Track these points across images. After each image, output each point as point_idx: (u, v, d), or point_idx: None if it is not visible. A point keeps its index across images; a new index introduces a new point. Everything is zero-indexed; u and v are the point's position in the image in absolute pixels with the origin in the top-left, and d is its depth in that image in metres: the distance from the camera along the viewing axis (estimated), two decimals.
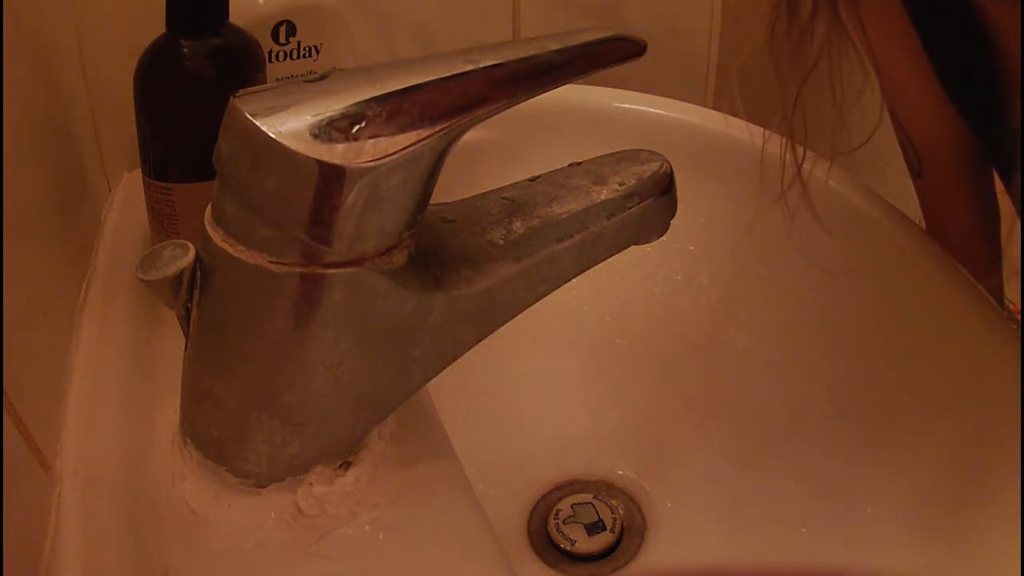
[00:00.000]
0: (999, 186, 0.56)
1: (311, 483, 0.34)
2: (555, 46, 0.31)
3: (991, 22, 0.45)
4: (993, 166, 0.55)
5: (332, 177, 0.28)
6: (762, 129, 0.51)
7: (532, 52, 0.30)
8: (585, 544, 0.51)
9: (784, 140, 0.48)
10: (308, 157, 0.28)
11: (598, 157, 0.38)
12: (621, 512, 0.53)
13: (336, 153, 0.28)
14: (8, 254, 0.34)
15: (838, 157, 0.50)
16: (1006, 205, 0.56)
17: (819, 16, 0.44)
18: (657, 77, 0.64)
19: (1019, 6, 0.42)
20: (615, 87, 0.60)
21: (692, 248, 0.59)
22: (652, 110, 0.61)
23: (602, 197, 0.36)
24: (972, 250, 0.56)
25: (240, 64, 0.42)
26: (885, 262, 0.52)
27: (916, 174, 0.57)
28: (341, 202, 0.28)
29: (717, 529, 0.51)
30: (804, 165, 0.48)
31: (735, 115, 0.58)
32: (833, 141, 0.47)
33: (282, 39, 0.48)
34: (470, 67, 0.30)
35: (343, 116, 0.28)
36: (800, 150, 0.48)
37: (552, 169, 0.37)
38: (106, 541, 0.33)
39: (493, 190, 0.36)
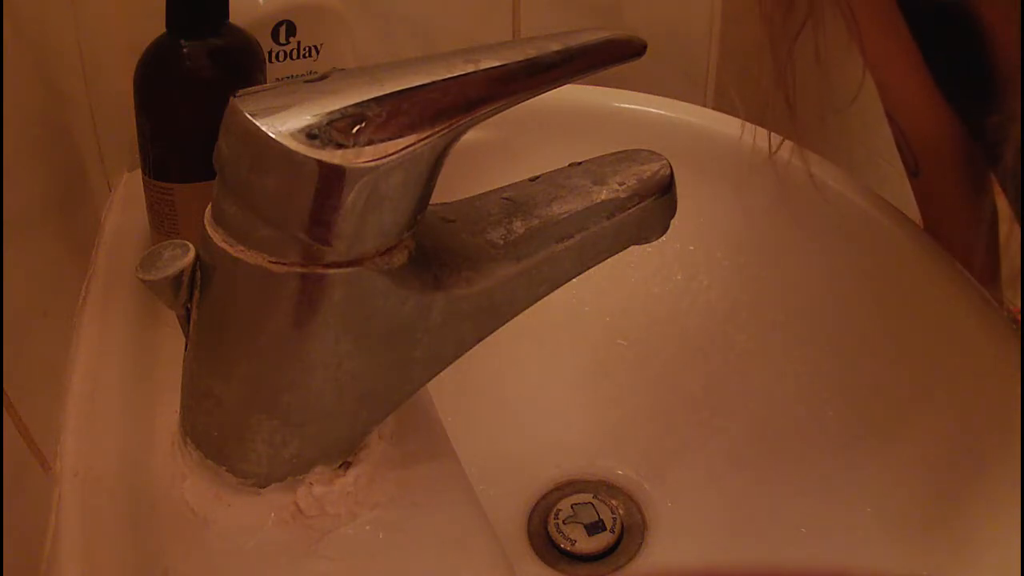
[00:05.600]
0: (996, 185, 0.56)
1: (311, 483, 0.34)
2: (555, 46, 0.31)
3: (985, 23, 0.45)
4: (988, 164, 0.55)
5: (332, 177, 0.28)
6: (743, 123, 0.52)
7: (532, 52, 0.30)
8: (585, 544, 0.51)
9: (768, 126, 0.49)
10: (308, 157, 0.28)
11: (598, 157, 0.38)
12: (621, 512, 0.53)
13: (336, 153, 0.28)
14: (8, 254, 0.34)
15: (833, 152, 0.50)
16: (1004, 204, 0.56)
17: None
18: (657, 77, 0.64)
19: (1013, 8, 0.42)
20: (615, 87, 0.60)
21: (692, 248, 0.59)
22: (652, 110, 0.61)
23: (602, 197, 0.36)
24: (970, 248, 0.56)
25: (240, 64, 0.42)
26: (885, 262, 0.52)
27: (913, 173, 0.57)
28: (341, 202, 0.28)
29: (717, 529, 0.51)
30: (788, 143, 0.48)
31: (722, 111, 0.58)
32: (821, 100, 0.48)
33: (282, 39, 0.48)
34: (470, 67, 0.30)
35: (343, 116, 0.28)
36: (794, 106, 0.48)
37: (552, 169, 0.37)
38: (106, 541, 0.33)
39: (493, 190, 0.36)
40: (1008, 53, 0.44)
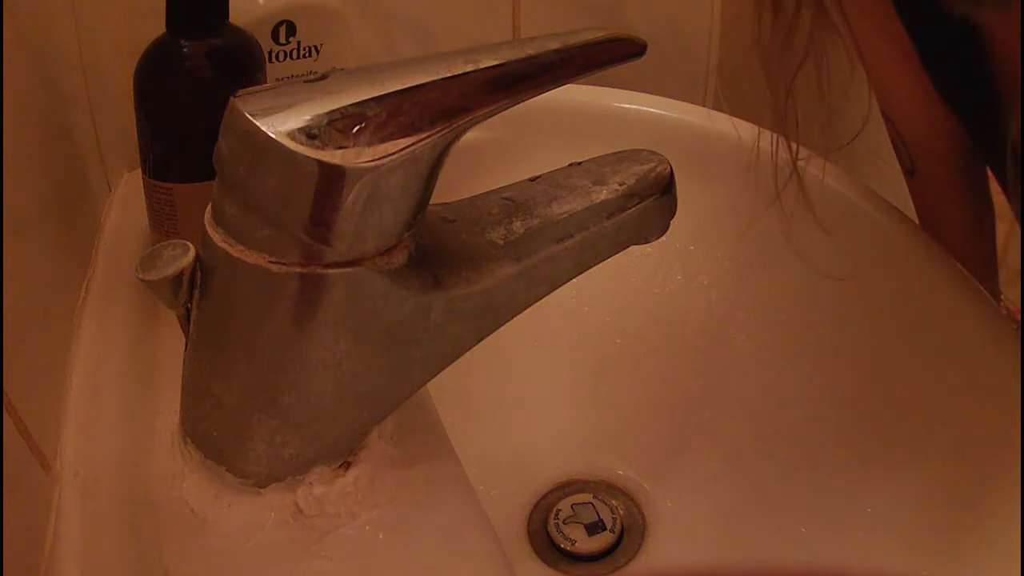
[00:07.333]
0: (994, 184, 0.56)
1: (311, 483, 0.34)
2: (555, 46, 0.31)
3: (983, 27, 0.45)
4: (987, 165, 0.55)
5: (332, 177, 0.28)
6: (758, 128, 0.51)
7: (532, 52, 0.30)
8: (585, 544, 0.51)
9: (775, 138, 0.48)
10: (308, 157, 0.28)
11: (598, 157, 0.38)
12: (621, 512, 0.53)
13: (336, 153, 0.28)
14: (8, 254, 0.34)
15: (834, 154, 0.50)
16: (1001, 203, 0.56)
17: (804, 9, 0.44)
18: (657, 77, 0.64)
19: (1013, 13, 0.42)
20: (615, 87, 0.60)
21: (692, 248, 0.59)
22: (652, 110, 0.61)
23: (602, 197, 0.36)
24: (967, 248, 0.56)
25: (240, 64, 0.42)
26: (884, 262, 0.52)
27: (909, 173, 0.57)
28: (341, 202, 0.28)
29: (717, 529, 0.51)
30: (800, 163, 0.48)
31: (722, 111, 0.58)
32: (826, 136, 0.48)
33: (282, 39, 0.48)
34: (470, 67, 0.30)
35: (343, 116, 0.28)
36: (794, 147, 0.48)
37: (552, 169, 0.37)
38: (106, 541, 0.33)
39: (493, 190, 0.36)
40: (1012, 63, 0.44)
